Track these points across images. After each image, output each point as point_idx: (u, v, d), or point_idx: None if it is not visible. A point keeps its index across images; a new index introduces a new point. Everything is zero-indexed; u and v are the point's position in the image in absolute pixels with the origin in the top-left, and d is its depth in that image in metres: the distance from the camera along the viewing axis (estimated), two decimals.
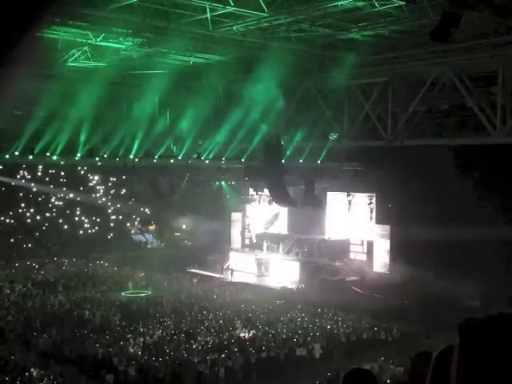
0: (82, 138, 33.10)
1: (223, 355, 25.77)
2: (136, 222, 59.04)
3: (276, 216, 50.16)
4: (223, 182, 52.27)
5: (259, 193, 47.54)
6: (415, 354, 1.82)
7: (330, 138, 31.87)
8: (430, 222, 34.52)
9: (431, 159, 33.75)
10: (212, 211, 50.23)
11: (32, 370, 23.27)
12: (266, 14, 22.64)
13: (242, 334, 29.55)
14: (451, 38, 16.25)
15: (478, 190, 34.84)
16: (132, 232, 58.70)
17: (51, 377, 22.58)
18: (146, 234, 58.91)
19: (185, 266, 47.64)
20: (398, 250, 39.85)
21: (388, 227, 42.14)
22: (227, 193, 52.32)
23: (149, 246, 57.23)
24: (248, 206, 50.96)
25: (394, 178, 37.49)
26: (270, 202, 47.71)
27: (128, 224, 58.34)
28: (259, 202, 49.30)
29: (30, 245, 52.90)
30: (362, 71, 28.75)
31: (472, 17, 19.49)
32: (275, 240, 47.16)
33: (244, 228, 50.83)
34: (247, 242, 50.42)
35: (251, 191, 49.02)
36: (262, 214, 50.18)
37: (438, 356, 1.73)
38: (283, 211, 47.98)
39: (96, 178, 56.85)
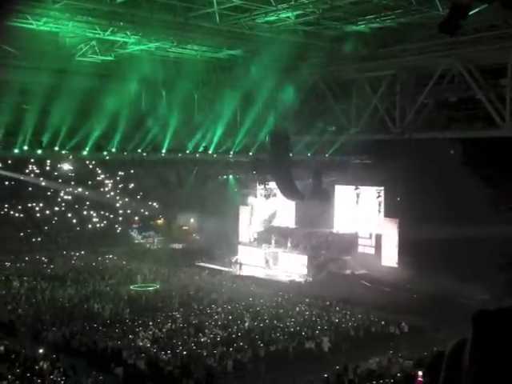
0: (90, 132, 33.20)
1: (231, 348, 25.84)
2: (136, 218, 58.61)
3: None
4: (231, 176, 52.30)
5: (267, 186, 47.58)
6: (431, 356, 1.81)
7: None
8: (438, 215, 34.41)
9: (440, 152, 33.61)
10: (220, 205, 50.24)
11: (42, 362, 23.41)
12: (273, 7, 22.61)
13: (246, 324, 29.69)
14: (460, 30, 16.16)
15: (486, 185, 34.59)
16: (132, 228, 58.28)
17: (61, 370, 22.72)
18: (144, 232, 58.12)
19: (193, 260, 47.73)
20: (406, 244, 39.74)
21: (397, 220, 42.02)
22: (234, 187, 52.34)
23: (137, 241, 56.71)
24: (255, 200, 51.03)
25: (403, 171, 37.36)
26: (266, 197, 47.82)
27: (136, 218, 58.43)
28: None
29: (39, 239, 53.18)
30: (369, 64, 28.67)
31: (480, 8, 19.39)
32: (283, 233, 47.15)
33: (251, 222, 50.93)
34: (255, 235, 50.40)
35: (258, 185, 49.03)
36: (260, 210, 50.31)
37: (451, 350, 1.72)
38: (290, 206, 47.86)
39: (104, 172, 57.04)
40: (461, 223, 32.32)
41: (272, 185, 46.09)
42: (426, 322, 30.28)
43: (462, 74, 26.12)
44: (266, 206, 49.66)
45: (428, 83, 27.47)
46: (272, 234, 47.43)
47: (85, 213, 56.37)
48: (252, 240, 49.44)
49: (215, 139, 35.70)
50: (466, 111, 27.91)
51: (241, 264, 45.52)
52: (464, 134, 28.55)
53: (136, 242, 56.59)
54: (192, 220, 57.46)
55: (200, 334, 27.88)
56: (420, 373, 19.90)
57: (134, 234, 57.68)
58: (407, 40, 26.74)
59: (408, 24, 25.10)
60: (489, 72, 25.97)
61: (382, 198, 43.43)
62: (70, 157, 37.15)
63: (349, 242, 44.73)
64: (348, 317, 31.55)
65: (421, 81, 28.55)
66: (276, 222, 49.88)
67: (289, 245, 45.58)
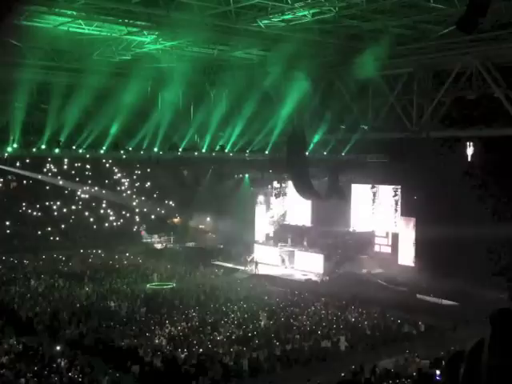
0: (107, 131, 33.40)
1: (245, 348, 25.81)
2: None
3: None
4: (247, 175, 52.32)
5: (277, 185, 47.71)
6: (450, 355, 1.79)
7: (362, 128, 31.64)
8: (455, 214, 34.17)
9: (457, 151, 33.35)
10: (236, 204, 50.29)
11: (60, 360, 23.61)
12: (289, 6, 22.58)
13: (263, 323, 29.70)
14: (478, 27, 16.02)
15: (504, 184, 34.20)
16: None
17: (78, 367, 22.89)
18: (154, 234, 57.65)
19: (209, 259, 47.80)
20: (423, 243, 39.49)
21: (413, 219, 41.79)
22: (249, 185, 52.32)
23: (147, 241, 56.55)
24: (266, 199, 51.12)
25: (420, 170, 37.13)
26: (276, 196, 47.81)
27: (153, 216, 58.52)
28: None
29: (56, 237, 53.59)
30: (386, 62, 28.51)
31: (499, 6, 19.24)
32: (299, 232, 47.10)
33: (262, 221, 50.98)
34: (271, 234, 50.43)
35: (276, 183, 49.09)
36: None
37: (471, 350, 1.71)
38: (306, 204, 47.76)
39: (121, 171, 57.32)
40: (478, 223, 32.04)
41: (284, 184, 46.22)
42: (442, 321, 30.11)
43: (480, 72, 25.89)
44: (278, 205, 49.77)
45: (445, 81, 27.27)
46: (288, 233, 47.43)
47: (102, 211, 56.71)
48: (264, 239, 49.48)
49: (233, 138, 35.77)
50: (484, 109, 27.67)
51: (257, 263, 45.53)
52: (482, 132, 28.32)
53: (144, 241, 56.45)
54: (208, 219, 57.53)
55: (216, 333, 27.94)
56: (438, 372, 19.80)
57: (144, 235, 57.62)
58: (424, 38, 26.56)
59: (425, 22, 24.93)
60: (507, 70, 25.72)
61: (398, 197, 43.24)
62: (87, 156, 37.36)
63: (365, 241, 44.57)
64: (364, 316, 31.44)
65: (438, 79, 28.36)
66: (292, 221, 49.85)
67: (305, 244, 45.53)
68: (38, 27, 25.25)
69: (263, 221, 50.73)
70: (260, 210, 51.26)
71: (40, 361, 23.68)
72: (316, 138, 34.81)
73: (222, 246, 51.65)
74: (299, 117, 33.96)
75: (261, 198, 50.94)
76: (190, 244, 54.56)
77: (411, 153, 35.48)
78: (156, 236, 56.60)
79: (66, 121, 31.87)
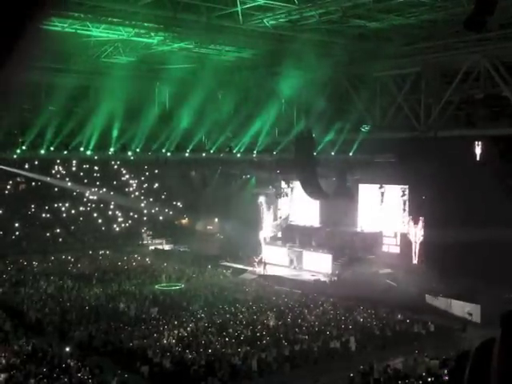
0: (115, 133, 33.48)
1: (254, 349, 25.78)
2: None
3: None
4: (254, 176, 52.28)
5: (291, 185, 47.64)
6: (456, 355, 1.79)
7: (362, 130, 31.63)
8: (464, 214, 34.03)
9: (465, 150, 33.22)
10: (243, 204, 50.25)
11: (69, 361, 23.67)
12: (296, 6, 22.58)
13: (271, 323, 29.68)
14: (486, 26, 15.95)
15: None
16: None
17: (88, 368, 22.94)
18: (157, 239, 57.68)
19: (217, 260, 47.82)
20: (431, 243, 39.34)
21: (422, 219, 41.66)
22: (254, 186, 52.26)
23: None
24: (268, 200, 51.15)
25: (428, 170, 36.99)
26: (277, 196, 47.75)
27: (161, 217, 58.61)
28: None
29: (65, 239, 53.77)
30: (393, 62, 28.46)
31: (507, 4, 19.17)
32: (307, 233, 47.06)
33: (265, 221, 51.00)
34: (279, 235, 50.43)
35: (283, 184, 49.08)
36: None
37: (476, 350, 1.70)
38: (315, 205, 47.72)
39: (129, 172, 57.45)
40: (486, 222, 31.89)
41: (291, 184, 46.18)
42: (452, 321, 30.00)
43: (488, 71, 25.78)
44: (284, 206, 49.78)
45: (453, 81, 27.18)
46: (296, 234, 47.38)
47: (110, 213, 56.86)
48: (268, 240, 49.44)
49: (240, 139, 35.79)
50: (492, 108, 27.56)
51: (265, 263, 45.52)
52: (490, 131, 28.21)
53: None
54: (216, 219, 57.54)
55: (224, 333, 27.94)
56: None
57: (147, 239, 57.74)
58: (432, 37, 26.47)
59: (433, 21, 24.86)
60: None
61: (406, 197, 43.12)
62: (95, 157, 37.49)
63: (373, 241, 44.48)
64: (373, 316, 31.37)
65: (446, 78, 28.26)
66: (300, 222, 49.80)
67: (313, 244, 45.48)
68: (46, 30, 25.35)
69: (267, 222, 50.66)
70: (264, 210, 51.23)
71: (49, 362, 23.75)
72: (326, 139, 34.76)
73: (229, 247, 51.56)
74: (307, 117, 33.92)
75: (262, 199, 50.83)
76: (197, 245, 54.53)
77: (419, 152, 35.35)
78: (161, 238, 56.74)
79: (74, 122, 31.97)
